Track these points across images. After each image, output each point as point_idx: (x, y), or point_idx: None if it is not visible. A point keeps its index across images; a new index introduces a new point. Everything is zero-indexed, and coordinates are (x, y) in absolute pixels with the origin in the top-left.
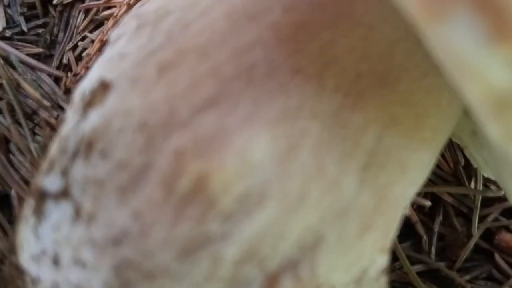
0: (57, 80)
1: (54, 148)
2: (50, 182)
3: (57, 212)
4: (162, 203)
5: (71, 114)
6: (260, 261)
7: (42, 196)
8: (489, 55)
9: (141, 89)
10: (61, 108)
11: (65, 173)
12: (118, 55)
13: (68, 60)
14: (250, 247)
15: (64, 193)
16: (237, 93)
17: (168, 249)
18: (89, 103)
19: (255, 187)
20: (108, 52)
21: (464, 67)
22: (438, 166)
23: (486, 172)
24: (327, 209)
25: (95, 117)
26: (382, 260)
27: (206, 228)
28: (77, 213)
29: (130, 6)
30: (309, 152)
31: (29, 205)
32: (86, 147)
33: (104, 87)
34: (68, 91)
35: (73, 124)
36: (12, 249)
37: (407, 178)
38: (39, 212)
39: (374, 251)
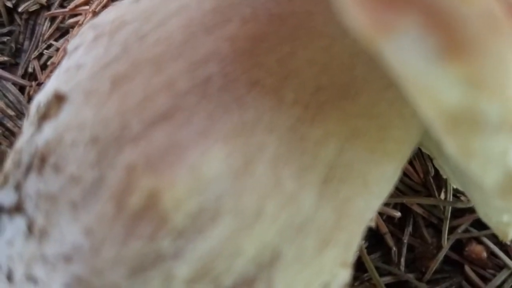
0: (22, 89)
1: (8, 162)
2: (4, 196)
3: (11, 227)
4: (113, 219)
5: (26, 127)
6: (214, 279)
7: None
8: (440, 72)
9: (94, 102)
10: None
11: (18, 187)
12: (75, 66)
13: (34, 68)
14: (203, 265)
15: (17, 208)
16: (191, 107)
17: (119, 267)
18: (44, 116)
19: (208, 203)
20: (65, 63)
21: (415, 85)
22: (408, 176)
23: (454, 183)
24: (285, 224)
25: (48, 130)
26: (344, 275)
27: (158, 246)
28: (29, 228)
29: (95, 14)
30: (266, 167)
31: None
32: (39, 161)
33: (58, 99)
34: (32, 101)
35: (27, 137)
36: None
37: (370, 191)
38: None
39: (336, 266)
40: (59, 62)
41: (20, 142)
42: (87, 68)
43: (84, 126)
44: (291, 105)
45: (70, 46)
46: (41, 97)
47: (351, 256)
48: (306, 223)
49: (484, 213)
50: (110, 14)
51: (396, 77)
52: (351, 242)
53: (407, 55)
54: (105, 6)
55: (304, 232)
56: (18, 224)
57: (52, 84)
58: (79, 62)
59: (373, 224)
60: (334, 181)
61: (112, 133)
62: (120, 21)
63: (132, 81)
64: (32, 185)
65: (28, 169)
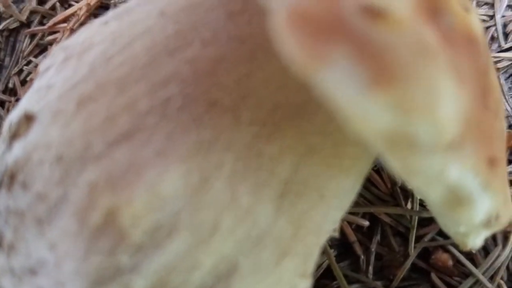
0: (3, 104)
1: None
2: None
3: None
4: (76, 235)
5: None
6: None
7: None
8: (369, 100)
9: (60, 123)
10: None
11: None
12: (45, 86)
13: (14, 84)
14: (159, 278)
15: None
16: (151, 127)
17: (79, 281)
18: (14, 135)
19: (165, 219)
20: (37, 83)
21: (349, 113)
22: (376, 186)
23: (417, 194)
24: (241, 238)
25: (18, 149)
26: (304, 285)
27: (116, 260)
28: None
29: (73, 31)
30: (223, 184)
31: None
32: (9, 178)
33: (28, 119)
34: None
35: None
36: None
37: (328, 204)
38: None
39: (295, 277)
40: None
41: None
42: (56, 88)
43: (50, 145)
44: (248, 123)
45: (41, 66)
46: (13, 116)
47: (310, 267)
48: (263, 236)
49: (443, 224)
50: (80, 36)
51: (330, 106)
52: (310, 253)
53: (337, 85)
54: (82, 24)
55: (261, 244)
56: None
57: (23, 104)
58: (49, 83)
59: (336, 234)
60: (291, 195)
61: (76, 152)
62: (89, 43)
63: (97, 101)
64: (2, 201)
65: None
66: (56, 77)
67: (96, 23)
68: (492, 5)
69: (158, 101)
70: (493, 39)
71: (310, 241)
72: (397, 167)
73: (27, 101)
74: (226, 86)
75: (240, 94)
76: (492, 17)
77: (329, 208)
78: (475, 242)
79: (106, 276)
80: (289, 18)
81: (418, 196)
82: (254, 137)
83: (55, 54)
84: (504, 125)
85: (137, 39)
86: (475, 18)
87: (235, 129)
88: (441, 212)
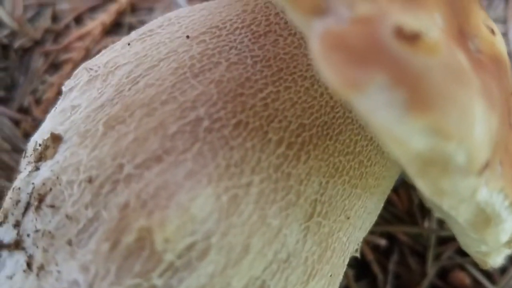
0: (18, 123)
1: (7, 200)
2: (4, 233)
3: (11, 263)
4: (108, 257)
5: (23, 165)
6: None
7: None
8: (406, 124)
9: (88, 144)
10: (22, 151)
11: (17, 225)
12: (70, 107)
13: (29, 103)
14: None
15: (17, 245)
16: (180, 149)
17: None
18: (40, 156)
19: (198, 242)
20: (60, 103)
21: (385, 134)
22: (393, 205)
23: (436, 213)
24: (271, 259)
25: (45, 170)
26: None
27: (150, 283)
28: (28, 265)
29: (88, 51)
30: (252, 206)
31: None
32: (36, 200)
33: (54, 139)
34: (27, 135)
35: (25, 176)
36: None
37: (353, 225)
38: None
39: None
40: (52, 98)
41: (18, 180)
42: (81, 109)
43: (79, 167)
44: (275, 144)
45: (65, 87)
46: (37, 137)
47: (336, 287)
48: (292, 258)
49: (464, 243)
50: (103, 57)
51: (368, 127)
52: (336, 273)
53: (376, 109)
54: (97, 43)
55: (290, 266)
56: (17, 259)
57: (47, 125)
58: (74, 103)
59: (358, 255)
60: (318, 217)
61: (106, 174)
62: (113, 63)
63: (124, 123)
64: (30, 223)
65: (26, 208)
66: (81, 98)
67: (118, 44)
68: (504, 22)
69: (186, 122)
70: None
71: (335, 261)
72: (428, 188)
73: (51, 123)
74: (252, 107)
75: (266, 115)
76: (505, 34)
77: (354, 228)
78: (496, 260)
79: None
80: (326, 44)
81: (436, 215)
82: (281, 158)
83: (78, 75)
84: None
85: (162, 61)
86: (500, 39)
87: (262, 150)
88: (467, 232)
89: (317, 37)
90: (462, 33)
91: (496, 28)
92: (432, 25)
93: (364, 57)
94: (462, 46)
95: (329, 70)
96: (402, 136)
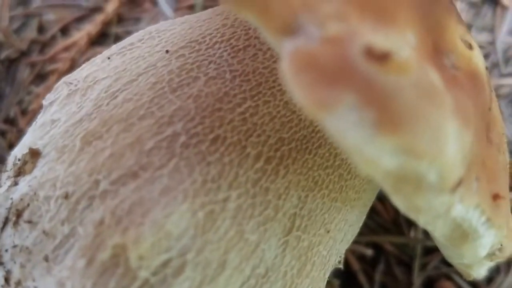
0: (4, 134)
1: None
2: None
3: None
4: (84, 273)
5: (3, 180)
6: None
7: None
8: (377, 144)
9: (66, 159)
10: None
11: None
12: (50, 121)
13: (15, 114)
14: None
15: None
16: (156, 165)
17: None
18: (19, 170)
19: (173, 258)
20: (41, 117)
21: (356, 154)
22: (379, 214)
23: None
24: (249, 275)
25: (23, 185)
26: None
27: None
28: (6, 280)
29: (74, 61)
30: (229, 221)
31: None
32: (14, 215)
33: (33, 155)
34: (12, 146)
35: (4, 191)
36: None
37: (333, 238)
38: None
39: None
40: (38, 109)
41: None
42: (60, 123)
43: (56, 182)
44: (253, 159)
45: (45, 100)
46: (17, 151)
47: None
48: (270, 272)
49: (447, 255)
50: (83, 71)
51: (340, 147)
52: (315, 287)
53: (346, 129)
54: (83, 53)
55: (268, 281)
56: None
57: (28, 139)
58: (54, 117)
59: (341, 266)
60: (297, 231)
61: (82, 189)
62: (92, 78)
63: (101, 138)
64: (9, 238)
65: (5, 223)
66: (60, 112)
67: (98, 58)
68: (492, 31)
69: (162, 137)
70: (493, 65)
71: (315, 275)
72: (403, 205)
73: (31, 136)
74: (230, 121)
75: (245, 129)
76: (492, 43)
77: (335, 242)
78: (479, 272)
79: None
80: (295, 63)
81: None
82: (259, 173)
83: (59, 88)
84: (507, 157)
85: (140, 75)
86: (478, 54)
87: (239, 165)
88: (446, 246)
89: (287, 56)
90: (437, 50)
91: (474, 42)
92: (403, 44)
93: (334, 77)
94: (436, 63)
95: (299, 90)
96: (373, 156)
